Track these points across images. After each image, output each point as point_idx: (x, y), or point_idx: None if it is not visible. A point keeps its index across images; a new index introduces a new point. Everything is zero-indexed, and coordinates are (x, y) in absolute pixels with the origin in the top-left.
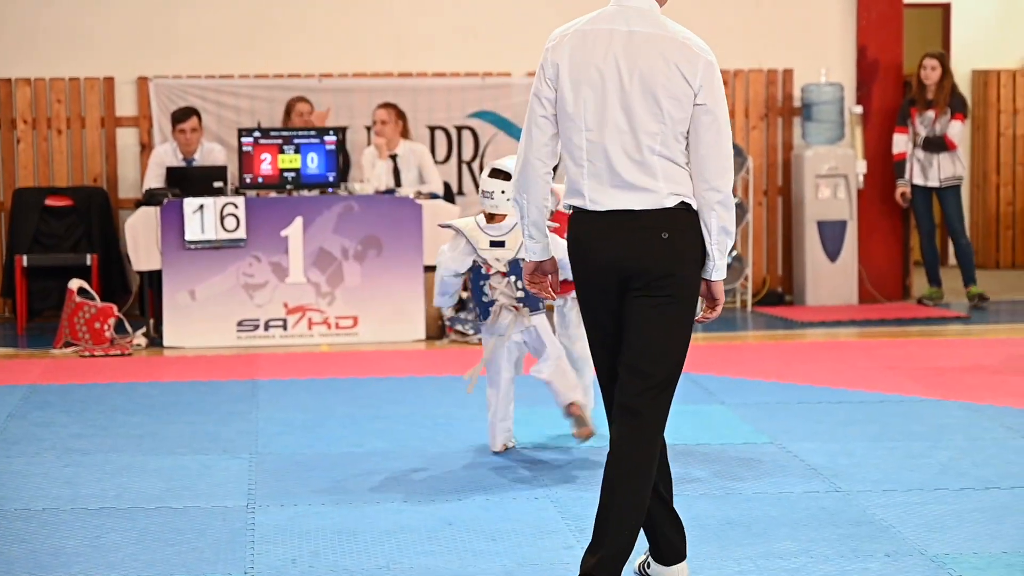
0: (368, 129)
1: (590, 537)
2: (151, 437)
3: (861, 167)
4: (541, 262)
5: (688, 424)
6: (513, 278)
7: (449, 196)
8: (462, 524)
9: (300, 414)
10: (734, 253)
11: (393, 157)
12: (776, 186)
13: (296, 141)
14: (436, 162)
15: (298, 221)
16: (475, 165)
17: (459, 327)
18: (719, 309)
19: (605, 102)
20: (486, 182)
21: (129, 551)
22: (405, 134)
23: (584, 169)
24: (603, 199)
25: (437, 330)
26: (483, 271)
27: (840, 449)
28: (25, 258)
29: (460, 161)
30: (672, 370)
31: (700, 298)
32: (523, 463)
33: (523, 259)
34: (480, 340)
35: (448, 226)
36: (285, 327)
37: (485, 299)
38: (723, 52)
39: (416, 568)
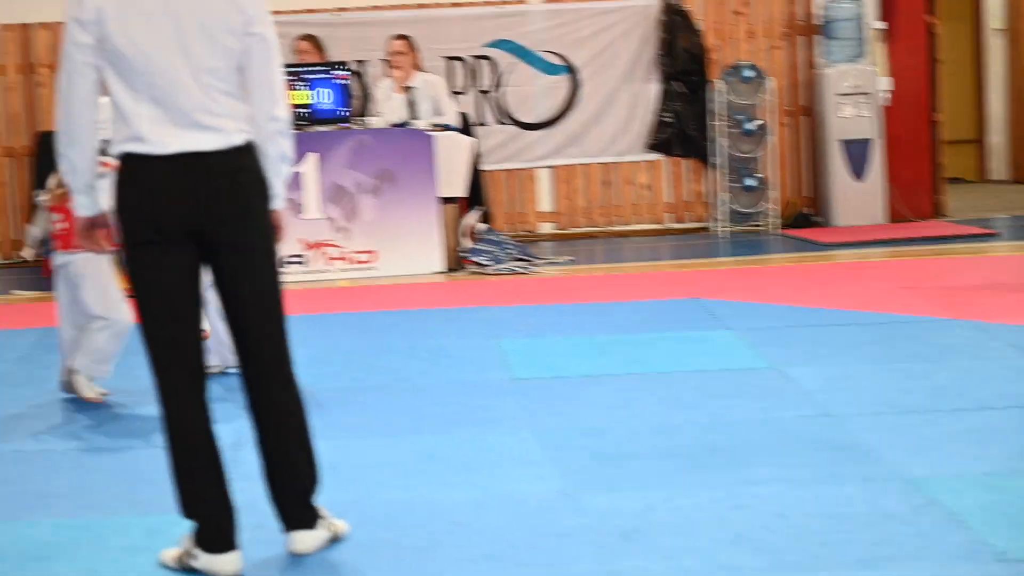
0: (386, 62)
1: (565, 467)
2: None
3: (884, 84)
4: (94, 217)
5: (689, 351)
6: None
7: (467, 127)
8: (442, 457)
9: (304, 350)
10: (758, 175)
11: (408, 89)
12: (799, 106)
13: (307, 77)
14: (454, 92)
15: (312, 157)
16: (494, 95)
17: (476, 259)
18: (282, 235)
19: (160, 42)
20: None
21: (113, 491)
22: (419, 66)
23: (143, 112)
24: (170, 141)
25: (455, 262)
26: None
27: (839, 373)
28: None
29: (479, 91)
30: (283, 318)
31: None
32: (514, 395)
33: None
34: (498, 271)
35: None
36: (303, 263)
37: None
38: None
39: (386, 502)
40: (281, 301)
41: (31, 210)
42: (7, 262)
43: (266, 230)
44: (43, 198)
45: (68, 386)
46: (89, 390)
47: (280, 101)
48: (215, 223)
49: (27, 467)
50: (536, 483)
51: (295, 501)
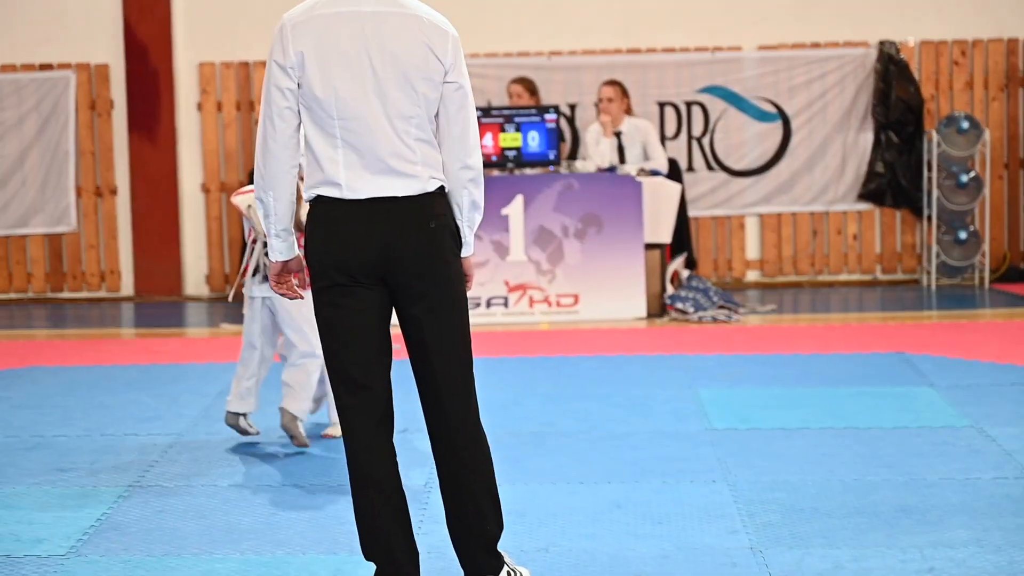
0: (597, 107)
1: (756, 521)
2: None
3: None
4: (287, 261)
5: (889, 406)
6: None
7: (676, 172)
8: (631, 507)
9: (500, 393)
10: (971, 228)
11: (617, 134)
12: (1017, 159)
13: (517, 120)
14: (666, 138)
15: (518, 199)
16: (705, 141)
17: (679, 305)
18: (471, 284)
19: (358, 88)
20: None
21: (300, 529)
22: (629, 111)
23: (339, 157)
24: (363, 186)
25: (658, 308)
26: None
27: None
28: None
29: (690, 137)
30: (470, 365)
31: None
32: (709, 446)
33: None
34: (700, 318)
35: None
36: (506, 305)
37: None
38: (961, 21)
39: (574, 551)
40: (468, 348)
41: (243, 245)
42: (218, 295)
43: (455, 277)
44: (248, 216)
45: (237, 426)
46: (304, 435)
47: (474, 150)
48: (404, 269)
49: (219, 502)
50: (725, 537)
51: (478, 548)
